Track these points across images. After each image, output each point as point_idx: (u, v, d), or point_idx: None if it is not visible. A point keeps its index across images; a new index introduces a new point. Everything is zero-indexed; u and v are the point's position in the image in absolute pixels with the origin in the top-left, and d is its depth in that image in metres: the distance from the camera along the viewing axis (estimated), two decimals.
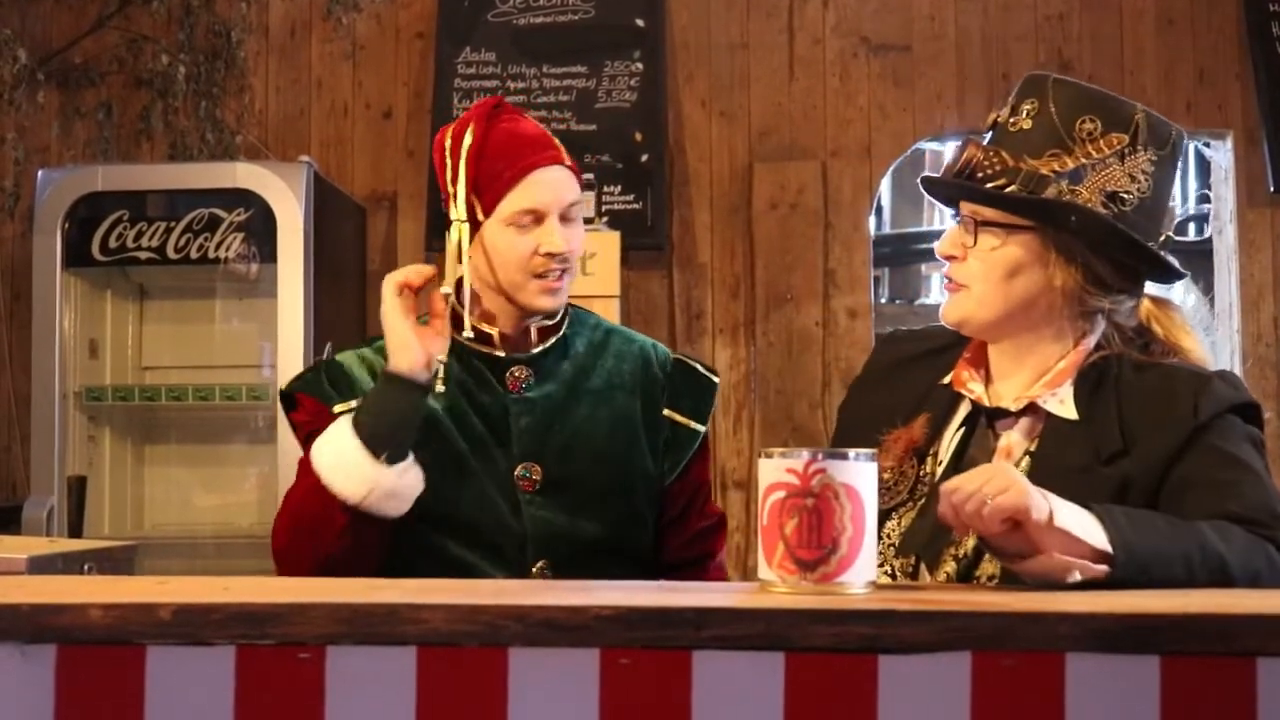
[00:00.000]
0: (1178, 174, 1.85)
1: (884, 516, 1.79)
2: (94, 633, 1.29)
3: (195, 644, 1.28)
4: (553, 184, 1.99)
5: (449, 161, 2.02)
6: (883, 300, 6.36)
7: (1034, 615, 1.27)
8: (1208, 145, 4.71)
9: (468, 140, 2.00)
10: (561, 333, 2.10)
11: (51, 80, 4.61)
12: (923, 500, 1.79)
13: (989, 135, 1.82)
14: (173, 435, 4.37)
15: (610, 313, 4.06)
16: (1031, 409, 1.79)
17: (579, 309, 2.18)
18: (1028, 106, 1.78)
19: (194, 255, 4.05)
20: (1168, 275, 1.83)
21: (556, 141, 2.04)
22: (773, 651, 1.26)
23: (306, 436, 2.02)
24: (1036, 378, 1.81)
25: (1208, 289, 5.48)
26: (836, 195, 4.57)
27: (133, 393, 4.18)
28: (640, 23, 4.58)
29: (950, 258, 1.81)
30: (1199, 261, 6.85)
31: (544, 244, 1.98)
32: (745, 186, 4.59)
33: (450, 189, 2.02)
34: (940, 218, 6.31)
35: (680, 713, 1.25)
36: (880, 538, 1.78)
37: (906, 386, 1.88)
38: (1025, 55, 4.57)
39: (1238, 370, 4.54)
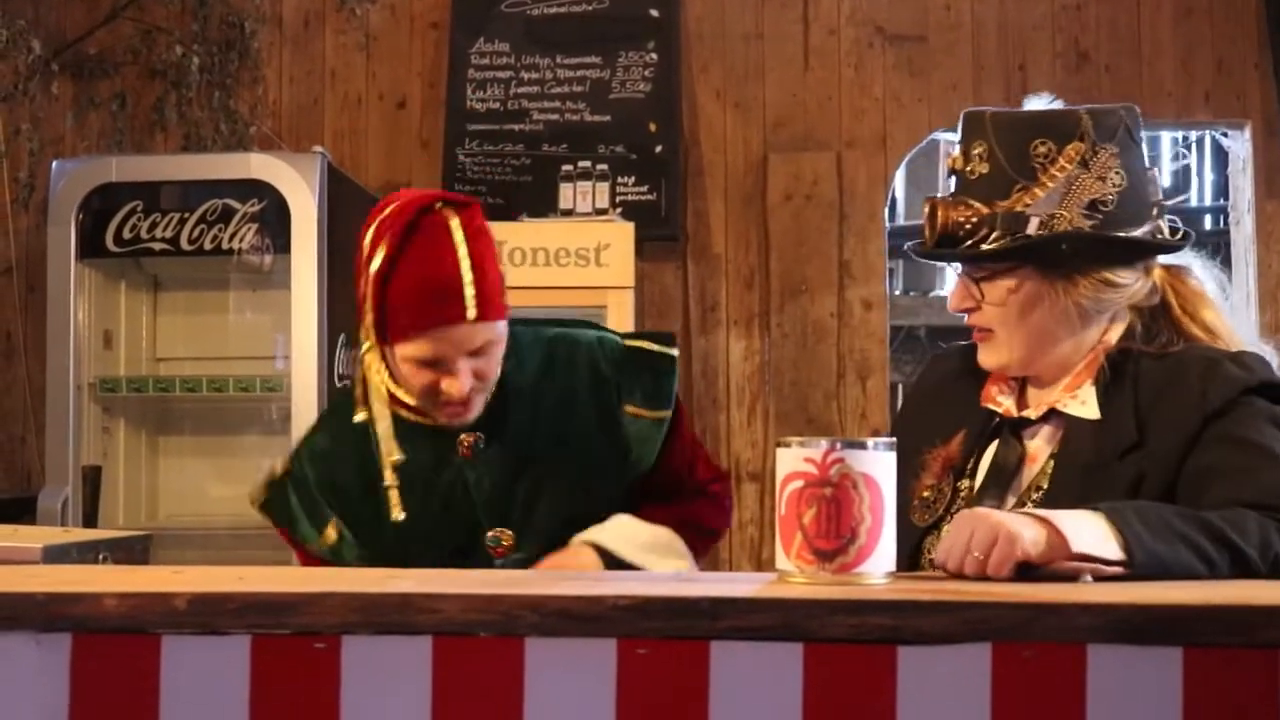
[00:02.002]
0: (1144, 145, 1.84)
1: (924, 534, 1.80)
2: (109, 622, 1.28)
3: (210, 633, 1.28)
4: (456, 340, 1.89)
5: (362, 267, 1.94)
6: (896, 292, 6.35)
7: (1054, 606, 1.26)
8: (1225, 135, 4.68)
9: (376, 262, 1.90)
10: (501, 378, 1.99)
11: (65, 71, 4.61)
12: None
13: (953, 184, 1.82)
14: (187, 426, 4.37)
15: (624, 304, 4.05)
16: (1055, 413, 1.80)
17: (514, 329, 2.03)
18: (977, 150, 1.78)
19: (208, 246, 4.04)
20: (1172, 250, 1.82)
21: (469, 289, 1.88)
22: (791, 642, 1.25)
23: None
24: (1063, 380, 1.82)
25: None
26: (851, 186, 4.55)
27: (147, 384, 4.18)
28: (654, 13, 4.57)
29: (967, 310, 1.82)
30: (1217, 253, 6.78)
31: (447, 387, 1.91)
32: (760, 177, 4.57)
33: (360, 303, 1.95)
34: None
35: (698, 703, 1.24)
36: (922, 550, 1.79)
37: (948, 405, 1.90)
38: (1042, 45, 4.55)
39: None
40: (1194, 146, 7.44)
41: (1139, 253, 1.79)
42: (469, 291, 1.88)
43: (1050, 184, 1.75)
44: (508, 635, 1.26)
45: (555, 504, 2.00)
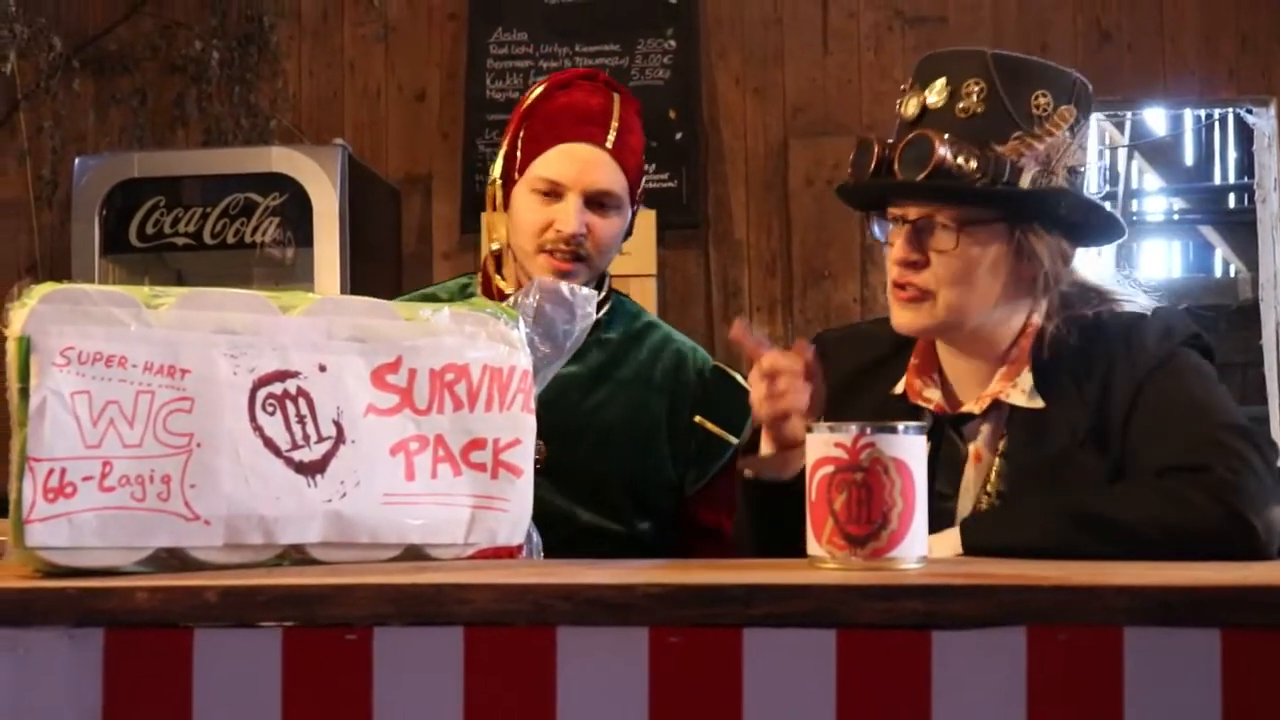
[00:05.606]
0: None
1: None
2: (141, 616, 1.28)
3: (242, 626, 1.28)
4: (580, 161, 1.94)
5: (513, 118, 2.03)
6: None
7: (1090, 589, 1.25)
8: (1250, 112, 4.64)
9: (530, 99, 2.00)
10: (596, 316, 1.99)
11: (87, 68, 4.63)
12: None
13: (918, 121, 1.70)
14: None
15: (647, 291, 4.04)
16: (995, 405, 1.72)
17: (624, 298, 2.10)
18: (974, 88, 1.65)
19: (230, 240, 4.06)
20: (1115, 236, 1.76)
21: (614, 124, 1.95)
22: (824, 628, 1.24)
23: None
24: (993, 368, 1.73)
25: (1251, 261, 5.38)
26: None
27: None
28: None
29: (912, 264, 1.69)
30: (1242, 232, 6.74)
31: (558, 220, 1.94)
32: (781, 163, 4.55)
33: (502, 145, 2.03)
34: None
35: (731, 691, 1.24)
36: None
37: (857, 407, 1.72)
38: (1063, 25, 4.51)
39: None
40: (1218, 124, 7.38)
41: (1112, 231, 1.72)
42: (614, 124, 1.95)
43: (1046, 139, 1.64)
44: (539, 624, 1.25)
45: (596, 446, 1.96)
